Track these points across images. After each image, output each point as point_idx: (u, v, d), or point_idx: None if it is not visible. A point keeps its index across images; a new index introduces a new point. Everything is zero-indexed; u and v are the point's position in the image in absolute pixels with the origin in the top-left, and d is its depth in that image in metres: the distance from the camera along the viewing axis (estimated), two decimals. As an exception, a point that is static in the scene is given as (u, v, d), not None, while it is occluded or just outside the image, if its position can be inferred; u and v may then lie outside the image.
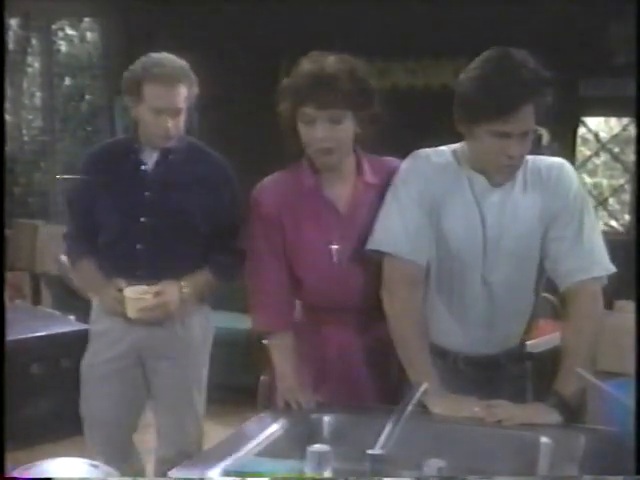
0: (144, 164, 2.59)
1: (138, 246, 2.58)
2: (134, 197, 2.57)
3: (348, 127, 2.11)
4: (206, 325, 2.73)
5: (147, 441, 2.86)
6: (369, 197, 2.20)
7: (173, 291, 2.56)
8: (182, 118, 2.53)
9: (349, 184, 2.21)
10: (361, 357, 2.24)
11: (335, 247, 2.18)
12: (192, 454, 2.52)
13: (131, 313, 2.54)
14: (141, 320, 2.55)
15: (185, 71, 2.52)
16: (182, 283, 2.59)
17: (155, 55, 2.52)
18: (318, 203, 2.20)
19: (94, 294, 2.69)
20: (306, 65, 2.12)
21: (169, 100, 2.47)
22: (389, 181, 2.17)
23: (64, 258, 2.83)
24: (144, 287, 2.54)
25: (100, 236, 2.62)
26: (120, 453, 2.63)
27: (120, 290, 2.54)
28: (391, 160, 2.26)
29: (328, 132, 2.08)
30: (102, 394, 2.65)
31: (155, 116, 2.48)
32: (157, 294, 2.53)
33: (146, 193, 2.57)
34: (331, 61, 2.10)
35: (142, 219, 2.56)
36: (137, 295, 2.53)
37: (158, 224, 2.57)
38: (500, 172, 2.06)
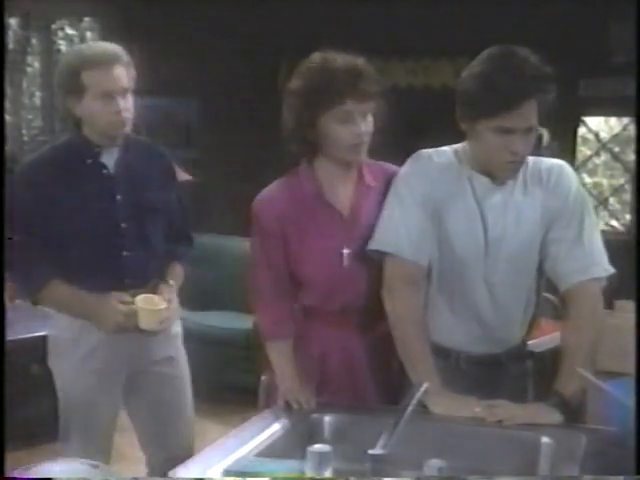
0: (105, 167, 2.47)
1: (125, 253, 2.47)
2: (106, 203, 2.45)
3: (372, 121, 2.13)
4: (179, 325, 2.68)
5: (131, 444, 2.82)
6: (370, 199, 2.20)
7: (175, 295, 2.54)
8: (130, 100, 2.42)
9: (350, 188, 2.22)
10: (364, 357, 2.24)
11: (342, 251, 2.18)
12: (187, 454, 2.50)
13: (148, 325, 2.45)
14: (156, 331, 2.48)
15: (118, 51, 2.42)
16: (171, 283, 2.55)
17: (82, 45, 2.46)
18: (321, 208, 2.20)
19: (85, 312, 2.46)
20: (331, 63, 2.10)
21: (113, 80, 2.37)
22: (388, 184, 2.19)
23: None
24: (153, 296, 2.46)
25: (72, 251, 2.45)
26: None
27: (125, 303, 2.43)
28: (387, 165, 2.27)
29: (365, 126, 2.11)
30: (86, 405, 2.52)
31: (104, 102, 2.37)
32: (169, 302, 2.49)
33: (117, 197, 2.46)
34: (350, 57, 2.12)
35: (123, 224, 2.46)
36: (154, 306, 2.45)
37: (138, 227, 2.48)
38: (503, 169, 2.06)
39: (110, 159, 2.48)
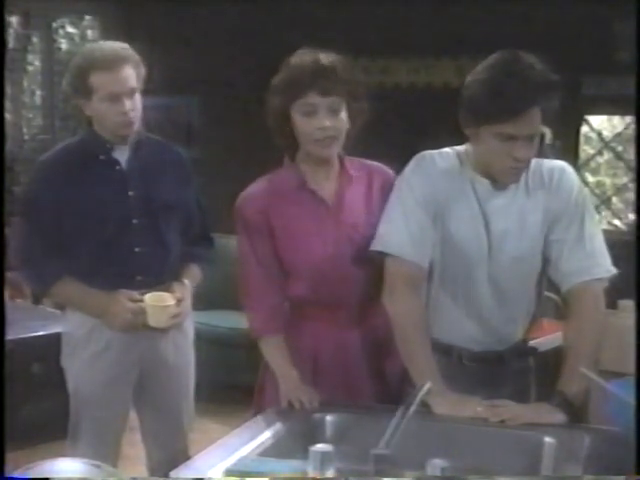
0: (118, 163, 2.49)
1: (136, 249, 2.48)
2: (119, 199, 2.46)
3: (344, 118, 2.15)
4: (191, 325, 2.69)
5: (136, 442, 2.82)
6: (354, 188, 2.24)
7: (189, 294, 2.54)
8: (138, 100, 2.44)
9: (334, 179, 2.24)
10: (358, 351, 2.24)
11: (328, 238, 2.20)
12: (187, 454, 2.50)
13: (156, 322, 2.45)
14: (165, 328, 2.48)
15: (127, 52, 2.43)
16: (186, 282, 2.56)
17: (92, 44, 2.47)
18: (305, 198, 2.21)
19: (94, 310, 2.49)
20: (300, 58, 2.15)
21: (120, 82, 2.38)
22: (369, 175, 2.24)
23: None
24: (162, 294, 2.46)
25: (84, 248, 2.47)
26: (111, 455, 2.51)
27: (134, 300, 2.44)
28: (365, 160, 2.31)
29: (330, 121, 2.11)
30: (97, 407, 2.54)
31: (111, 104, 2.38)
32: (179, 300, 2.48)
33: (130, 193, 2.47)
34: (323, 54, 2.15)
35: (135, 221, 2.47)
36: (163, 303, 2.44)
37: (150, 223, 2.49)
38: (505, 175, 2.06)
39: (123, 155, 2.50)
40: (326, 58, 2.14)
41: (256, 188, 2.26)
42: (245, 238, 2.24)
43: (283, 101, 2.13)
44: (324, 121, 2.11)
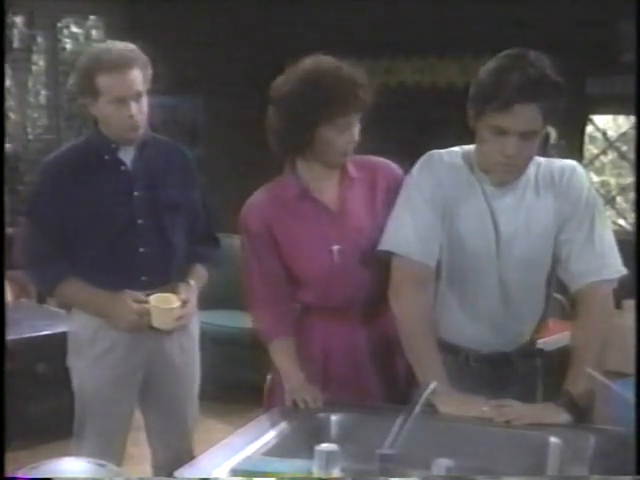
0: (123, 164, 2.48)
1: (141, 249, 2.47)
2: (123, 199, 2.46)
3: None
4: (196, 326, 2.69)
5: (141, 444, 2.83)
6: (356, 191, 2.23)
7: (194, 295, 2.54)
8: (144, 103, 2.43)
9: (335, 182, 2.23)
10: (367, 352, 2.24)
11: (332, 245, 2.19)
12: (192, 453, 2.50)
13: (161, 324, 2.44)
14: (169, 330, 2.48)
15: (135, 53, 2.41)
16: (191, 283, 2.56)
17: (100, 45, 2.44)
18: (308, 205, 2.21)
19: (99, 311, 2.48)
20: (334, 73, 2.10)
21: (127, 85, 2.36)
22: (372, 174, 2.23)
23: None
24: (167, 295, 2.45)
25: (89, 248, 2.47)
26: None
27: (139, 301, 2.43)
28: (369, 157, 2.29)
29: (356, 132, 2.15)
30: (102, 408, 2.53)
31: (117, 107, 2.37)
32: (185, 301, 2.48)
33: (135, 193, 2.47)
34: (349, 68, 2.13)
35: (139, 221, 2.47)
36: (169, 305, 2.44)
37: (155, 223, 2.49)
38: (497, 171, 2.05)
39: (128, 156, 2.49)
40: (358, 72, 2.12)
41: (258, 199, 2.26)
42: (249, 248, 2.25)
43: (316, 118, 2.09)
44: (355, 134, 2.14)
